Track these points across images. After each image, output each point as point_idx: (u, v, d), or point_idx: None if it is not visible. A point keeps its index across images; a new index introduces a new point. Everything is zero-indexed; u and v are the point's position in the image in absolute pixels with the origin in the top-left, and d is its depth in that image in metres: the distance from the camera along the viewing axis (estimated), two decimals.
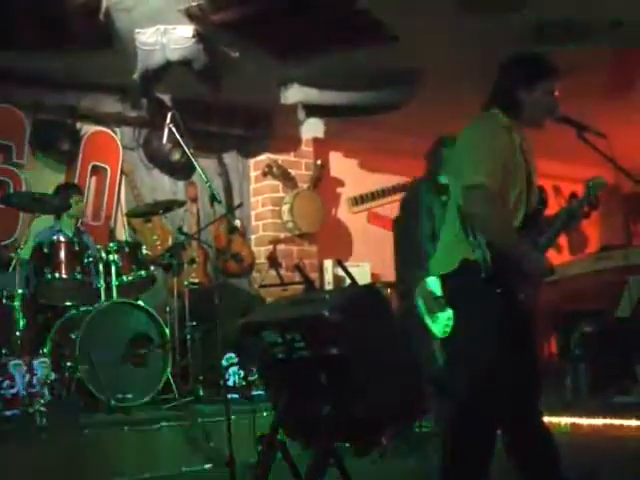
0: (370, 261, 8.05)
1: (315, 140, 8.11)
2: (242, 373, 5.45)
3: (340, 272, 7.58)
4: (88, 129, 6.96)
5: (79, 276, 5.52)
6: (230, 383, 5.49)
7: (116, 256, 5.59)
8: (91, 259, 5.58)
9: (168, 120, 5.71)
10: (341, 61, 6.21)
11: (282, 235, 7.88)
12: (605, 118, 5.22)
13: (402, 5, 5.29)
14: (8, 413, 4.60)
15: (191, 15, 5.42)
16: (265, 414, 4.92)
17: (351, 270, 3.89)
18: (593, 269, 7.47)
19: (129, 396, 5.23)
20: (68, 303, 5.61)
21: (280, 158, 7.95)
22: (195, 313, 5.96)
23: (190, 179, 7.46)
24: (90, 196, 6.98)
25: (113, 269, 5.57)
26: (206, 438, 4.98)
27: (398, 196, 8.46)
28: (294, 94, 6.76)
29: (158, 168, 7.37)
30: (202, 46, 5.62)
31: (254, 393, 5.23)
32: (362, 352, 2.91)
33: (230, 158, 7.90)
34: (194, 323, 5.90)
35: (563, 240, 9.48)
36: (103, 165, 7.04)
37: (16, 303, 5.13)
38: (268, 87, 6.68)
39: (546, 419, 3.37)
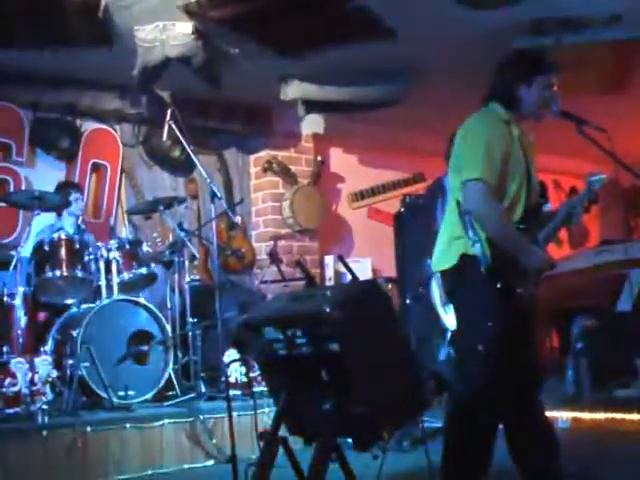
0: (371, 257, 8.06)
1: (315, 136, 8.11)
2: (244, 370, 5.44)
3: (341, 268, 7.58)
4: (88, 126, 6.96)
5: (80, 274, 5.52)
6: (232, 380, 5.48)
7: (117, 253, 5.60)
8: (92, 257, 5.58)
9: (168, 117, 5.73)
10: (340, 57, 6.20)
11: (283, 231, 7.88)
12: (603, 112, 5.21)
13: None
14: (10, 411, 4.60)
15: (190, 12, 5.41)
16: (267, 410, 4.94)
17: (352, 266, 3.90)
18: (593, 263, 7.47)
19: (131, 393, 5.23)
20: (69, 301, 5.61)
21: (280, 154, 7.95)
22: (196, 310, 5.96)
23: (190, 176, 7.47)
24: (90, 193, 6.98)
25: (114, 266, 5.57)
26: (208, 435, 5.00)
27: (398, 192, 8.48)
28: (294, 90, 6.74)
29: (158, 165, 7.37)
30: (201, 43, 5.60)
31: (256, 390, 5.23)
32: (363, 348, 2.91)
33: (230, 154, 7.89)
34: (195, 320, 5.91)
35: (563, 234, 9.48)
36: (103, 162, 7.04)
37: (17, 301, 5.15)
38: (268, 83, 6.68)
39: (548, 413, 3.37)
